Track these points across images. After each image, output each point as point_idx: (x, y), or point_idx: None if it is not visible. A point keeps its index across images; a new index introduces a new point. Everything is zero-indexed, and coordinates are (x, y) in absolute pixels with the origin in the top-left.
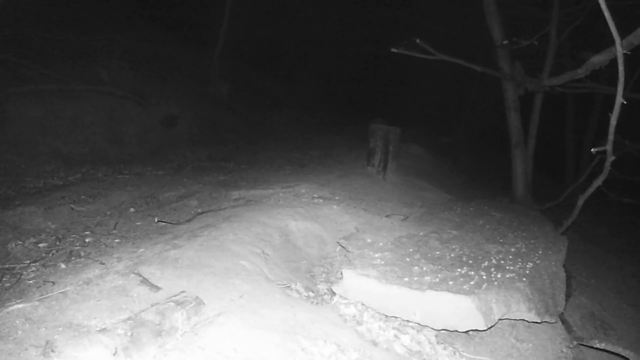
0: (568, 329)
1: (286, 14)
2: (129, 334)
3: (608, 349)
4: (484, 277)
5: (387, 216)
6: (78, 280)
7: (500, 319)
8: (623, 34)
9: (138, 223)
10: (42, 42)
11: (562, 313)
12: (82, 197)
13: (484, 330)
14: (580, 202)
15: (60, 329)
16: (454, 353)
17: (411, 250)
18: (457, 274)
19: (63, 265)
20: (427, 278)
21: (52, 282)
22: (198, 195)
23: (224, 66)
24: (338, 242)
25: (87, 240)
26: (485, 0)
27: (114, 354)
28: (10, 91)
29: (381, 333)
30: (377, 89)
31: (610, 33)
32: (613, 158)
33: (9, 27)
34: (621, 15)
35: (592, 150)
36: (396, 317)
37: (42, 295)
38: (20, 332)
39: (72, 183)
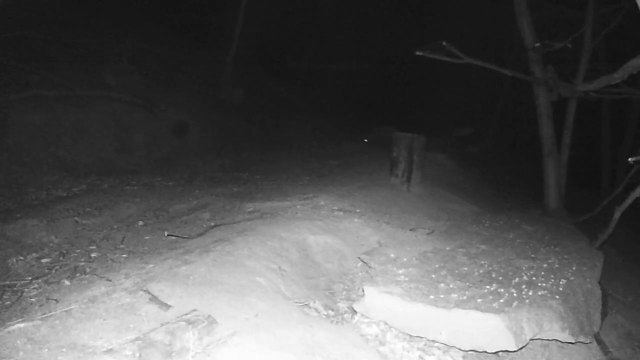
0: (604, 349)
1: (304, 15)
2: (137, 355)
3: None
4: (515, 294)
5: (411, 230)
6: (83, 297)
7: (531, 339)
8: None
9: (147, 237)
10: (46, 44)
11: (598, 333)
12: (87, 209)
13: (514, 351)
14: (617, 214)
15: (64, 349)
16: None
17: (437, 266)
18: (486, 291)
19: (67, 282)
20: (454, 295)
21: (56, 299)
22: (210, 207)
23: (237, 70)
24: (359, 258)
25: (92, 255)
26: (516, 0)
27: None
28: (11, 97)
29: (405, 354)
30: (401, 94)
31: None
32: None
33: (11, 28)
34: None
35: (629, 159)
36: (421, 337)
37: (44, 313)
38: (21, 353)
39: (77, 194)
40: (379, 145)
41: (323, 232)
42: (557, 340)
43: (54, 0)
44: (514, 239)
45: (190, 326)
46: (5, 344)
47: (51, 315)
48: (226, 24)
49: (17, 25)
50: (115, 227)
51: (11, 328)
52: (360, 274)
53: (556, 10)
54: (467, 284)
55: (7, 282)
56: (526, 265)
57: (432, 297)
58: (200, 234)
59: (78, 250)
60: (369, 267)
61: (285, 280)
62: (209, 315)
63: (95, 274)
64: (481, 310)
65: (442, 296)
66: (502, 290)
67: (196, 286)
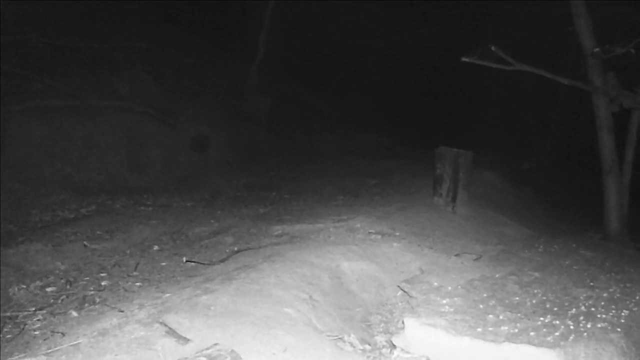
0: None
1: (337, 18)
2: None
3: None
4: (571, 327)
5: (456, 255)
6: (92, 330)
7: None
8: None
9: (163, 263)
10: (50, 49)
11: None
12: (97, 232)
13: None
14: None
15: None
16: None
17: (485, 295)
18: (539, 323)
19: (74, 313)
20: (504, 328)
21: (62, 333)
22: (234, 230)
23: (263, 78)
24: (399, 286)
25: (102, 283)
26: (573, 1)
27: None
28: (12, 107)
29: None
30: (445, 104)
31: None
32: None
33: (11, 31)
34: None
35: None
36: None
37: (49, 348)
38: None
39: (85, 216)
40: (422, 162)
41: (359, 257)
42: None
43: (60, 1)
44: (571, 265)
45: None
46: None
47: (57, 350)
48: (251, 27)
49: (19, 27)
50: (128, 252)
51: None
52: (400, 304)
53: (618, 11)
54: (519, 315)
55: (9, 314)
56: (584, 295)
57: (479, 329)
58: (223, 260)
59: (87, 278)
60: (410, 296)
61: (317, 311)
62: (232, 350)
63: (105, 304)
64: (534, 345)
65: (490, 329)
66: (558, 322)
67: (218, 318)
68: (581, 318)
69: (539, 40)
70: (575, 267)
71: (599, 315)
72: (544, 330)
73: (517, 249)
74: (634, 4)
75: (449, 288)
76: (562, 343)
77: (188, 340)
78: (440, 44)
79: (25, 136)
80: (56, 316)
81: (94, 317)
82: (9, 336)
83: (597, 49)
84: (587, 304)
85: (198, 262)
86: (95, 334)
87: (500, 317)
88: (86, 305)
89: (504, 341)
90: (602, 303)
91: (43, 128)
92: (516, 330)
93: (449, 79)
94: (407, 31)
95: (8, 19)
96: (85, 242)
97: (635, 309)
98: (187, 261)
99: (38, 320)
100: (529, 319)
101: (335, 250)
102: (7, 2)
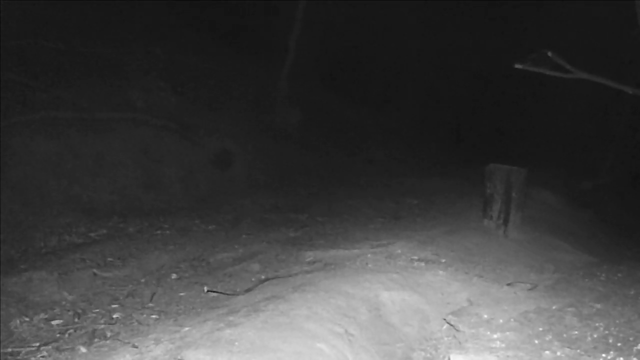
0: None
1: (375, 22)
2: None
3: None
4: None
5: (509, 284)
6: None
7: None
8: None
9: (182, 294)
10: (57, 56)
11: None
12: (109, 259)
13: None
14: None
15: None
16: None
17: (541, 329)
18: None
19: (83, 349)
20: None
21: None
22: (261, 257)
23: (294, 88)
24: (445, 319)
25: (114, 316)
26: (638, 1)
27: None
28: (15, 120)
29: None
30: (496, 116)
31: None
32: None
33: (13, 35)
34: None
35: None
36: None
37: None
38: None
39: (96, 241)
40: (470, 181)
41: (400, 287)
42: None
43: (66, 2)
44: (636, 296)
45: None
46: None
47: None
48: (280, 31)
49: (21, 30)
50: (142, 281)
51: None
52: (445, 339)
53: None
54: (578, 351)
55: (10, 349)
56: None
57: None
58: (248, 290)
59: (97, 310)
60: (457, 330)
61: (353, 346)
62: None
63: (117, 339)
64: None
65: None
66: (622, 359)
67: (243, 354)
68: None
69: (600, 45)
70: None
71: None
72: None
73: (576, 278)
74: None
75: (501, 321)
76: None
77: None
78: (490, 49)
79: (28, 152)
80: (62, 352)
81: (105, 354)
82: None
83: None
84: None
85: (221, 292)
86: None
87: (558, 354)
88: (96, 340)
89: None
90: None
91: (48, 143)
92: None
93: (500, 87)
94: (453, 35)
95: (9, 21)
96: (95, 270)
97: None
98: (208, 291)
99: (42, 357)
100: (589, 356)
101: (373, 279)
102: (8, 3)
